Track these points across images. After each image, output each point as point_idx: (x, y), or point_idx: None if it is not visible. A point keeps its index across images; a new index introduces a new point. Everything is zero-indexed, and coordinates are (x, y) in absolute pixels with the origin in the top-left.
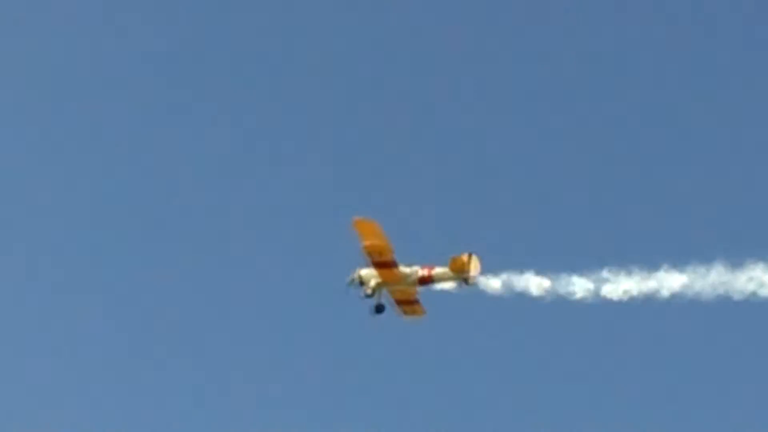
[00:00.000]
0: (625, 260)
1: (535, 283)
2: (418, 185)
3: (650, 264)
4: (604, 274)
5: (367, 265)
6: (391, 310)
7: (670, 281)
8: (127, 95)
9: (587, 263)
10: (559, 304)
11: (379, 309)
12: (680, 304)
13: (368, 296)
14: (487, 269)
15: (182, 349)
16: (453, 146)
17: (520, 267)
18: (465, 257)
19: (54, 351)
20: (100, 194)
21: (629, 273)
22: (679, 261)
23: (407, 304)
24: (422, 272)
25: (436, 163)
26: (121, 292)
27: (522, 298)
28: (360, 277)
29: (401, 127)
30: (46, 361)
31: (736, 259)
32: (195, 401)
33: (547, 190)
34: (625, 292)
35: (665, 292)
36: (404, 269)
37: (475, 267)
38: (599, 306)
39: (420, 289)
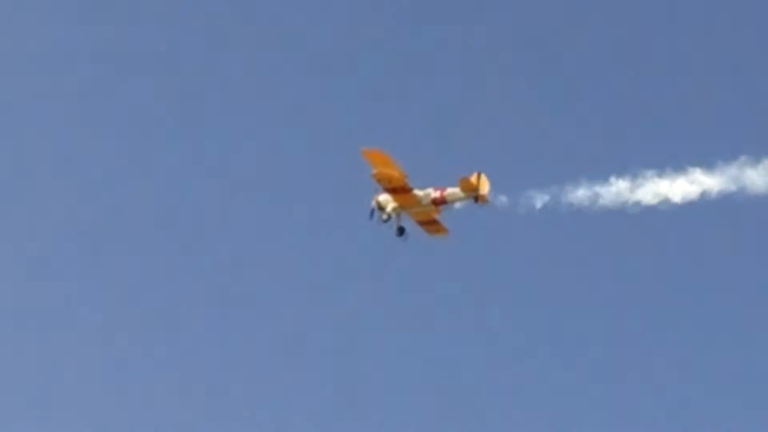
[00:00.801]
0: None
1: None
2: (432, 109)
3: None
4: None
5: (383, 192)
6: (416, 232)
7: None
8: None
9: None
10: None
11: (401, 231)
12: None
13: (385, 221)
14: (498, 187)
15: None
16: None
17: (532, 184)
18: (474, 177)
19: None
20: (99, 194)
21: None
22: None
23: (429, 224)
24: (435, 194)
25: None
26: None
27: (536, 212)
28: (378, 203)
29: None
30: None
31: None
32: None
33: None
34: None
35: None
36: (418, 192)
37: (484, 185)
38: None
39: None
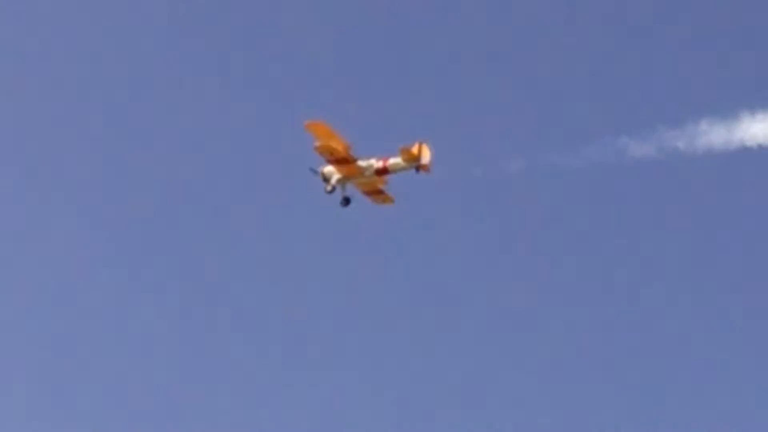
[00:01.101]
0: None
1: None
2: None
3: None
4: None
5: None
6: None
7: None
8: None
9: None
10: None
11: (346, 201)
12: None
13: (329, 192)
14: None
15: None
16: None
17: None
18: (415, 147)
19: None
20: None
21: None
22: None
23: (375, 194)
24: (377, 164)
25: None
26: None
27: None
28: (323, 174)
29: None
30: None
31: None
32: None
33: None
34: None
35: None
36: (361, 163)
37: (425, 155)
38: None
39: (387, 178)
